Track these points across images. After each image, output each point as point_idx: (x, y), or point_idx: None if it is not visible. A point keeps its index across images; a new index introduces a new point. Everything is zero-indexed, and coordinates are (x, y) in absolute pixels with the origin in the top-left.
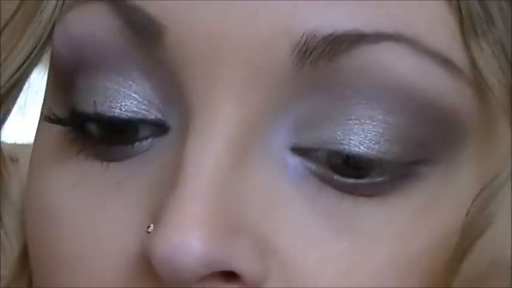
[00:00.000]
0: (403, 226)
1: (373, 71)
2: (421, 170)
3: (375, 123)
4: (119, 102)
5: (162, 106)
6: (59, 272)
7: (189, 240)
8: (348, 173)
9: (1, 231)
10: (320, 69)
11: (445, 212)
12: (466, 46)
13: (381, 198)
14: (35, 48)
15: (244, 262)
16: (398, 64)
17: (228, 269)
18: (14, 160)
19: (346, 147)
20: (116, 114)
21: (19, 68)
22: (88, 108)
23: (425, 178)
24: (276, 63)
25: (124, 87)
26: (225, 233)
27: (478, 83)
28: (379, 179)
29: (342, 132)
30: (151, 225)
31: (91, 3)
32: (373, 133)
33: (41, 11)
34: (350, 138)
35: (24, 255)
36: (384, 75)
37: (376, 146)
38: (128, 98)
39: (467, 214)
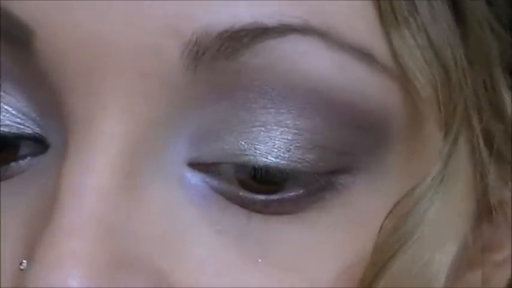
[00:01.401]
0: (321, 245)
1: (279, 69)
2: (340, 180)
3: (282, 129)
4: None
5: (40, 120)
6: None
7: (64, 280)
8: (256, 188)
9: None
10: (218, 71)
11: (370, 225)
12: (387, 36)
13: (294, 216)
14: None
15: None
16: (307, 60)
17: None
18: None
19: (252, 158)
20: None
21: None
22: None
23: (346, 188)
24: (164, 67)
25: None
26: (109, 270)
27: (403, 78)
28: (292, 194)
29: (246, 142)
30: (24, 261)
31: None
32: (282, 140)
33: None
34: (255, 148)
35: None
36: (291, 73)
37: (287, 155)
38: (0, 111)
39: (379, 234)
